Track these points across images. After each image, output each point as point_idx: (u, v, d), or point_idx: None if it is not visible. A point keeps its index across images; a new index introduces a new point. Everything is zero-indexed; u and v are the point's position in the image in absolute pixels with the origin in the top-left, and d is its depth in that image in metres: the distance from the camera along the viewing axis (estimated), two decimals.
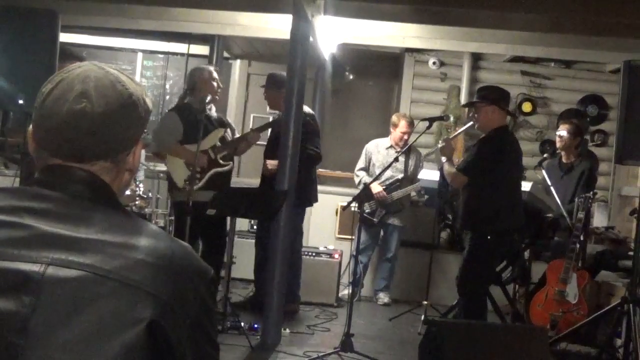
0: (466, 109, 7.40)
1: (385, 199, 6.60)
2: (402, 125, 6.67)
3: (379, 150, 6.79)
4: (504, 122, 5.01)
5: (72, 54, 5.52)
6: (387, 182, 6.58)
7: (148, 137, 5.24)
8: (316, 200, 6.11)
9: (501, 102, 4.96)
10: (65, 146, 1.18)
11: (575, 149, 6.12)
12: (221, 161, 5.35)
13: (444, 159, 5.01)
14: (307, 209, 6.25)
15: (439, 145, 5.07)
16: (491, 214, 4.81)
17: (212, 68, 5.57)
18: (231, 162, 5.48)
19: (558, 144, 6.16)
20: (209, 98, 5.15)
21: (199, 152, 4.98)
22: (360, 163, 6.87)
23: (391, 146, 6.74)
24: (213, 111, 5.45)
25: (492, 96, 4.98)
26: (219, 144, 5.35)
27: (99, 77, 1.19)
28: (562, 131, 6.09)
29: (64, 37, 5.66)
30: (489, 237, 4.81)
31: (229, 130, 5.53)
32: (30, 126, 1.23)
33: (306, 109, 5.93)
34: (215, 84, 5.37)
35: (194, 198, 4.92)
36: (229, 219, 5.15)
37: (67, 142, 1.17)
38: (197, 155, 4.96)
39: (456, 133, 5.76)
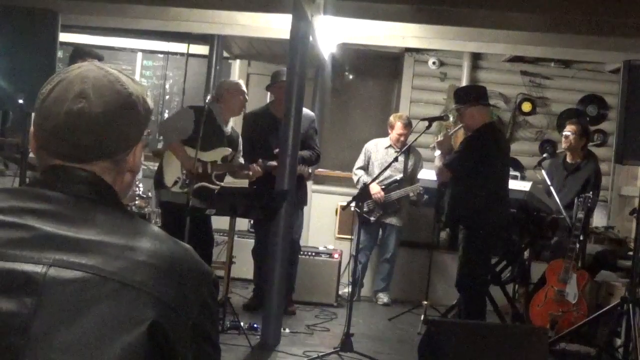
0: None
1: (384, 199, 6.60)
2: (398, 127, 6.67)
3: (378, 150, 6.79)
4: (489, 118, 5.19)
5: (89, 52, 5.51)
6: (386, 182, 6.58)
7: (148, 137, 5.21)
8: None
9: (482, 99, 5.14)
10: (64, 146, 1.17)
11: (582, 150, 6.14)
12: (214, 179, 5.28)
13: (437, 152, 5.14)
14: (305, 207, 6.28)
15: (438, 139, 5.18)
16: (476, 209, 4.93)
17: (241, 81, 5.55)
18: (222, 184, 5.41)
19: (564, 144, 6.19)
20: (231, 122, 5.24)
21: (196, 160, 4.94)
22: (359, 162, 6.86)
23: (390, 146, 6.74)
24: (229, 126, 5.44)
25: (472, 97, 5.12)
26: (220, 162, 5.31)
27: (97, 77, 1.19)
28: (568, 132, 6.10)
29: (64, 37, 5.67)
30: (481, 232, 4.94)
31: (234, 149, 5.49)
32: (32, 127, 1.23)
33: (309, 110, 6.02)
34: (242, 97, 5.38)
35: (178, 200, 4.94)
36: (228, 218, 5.14)
37: (66, 142, 1.17)
38: (195, 163, 4.91)
39: (455, 129, 5.80)
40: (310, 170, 5.68)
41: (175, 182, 5.17)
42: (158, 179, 5.31)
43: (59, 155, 1.18)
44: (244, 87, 5.44)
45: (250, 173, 5.42)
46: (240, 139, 5.62)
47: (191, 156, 5.00)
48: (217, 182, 5.32)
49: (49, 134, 1.18)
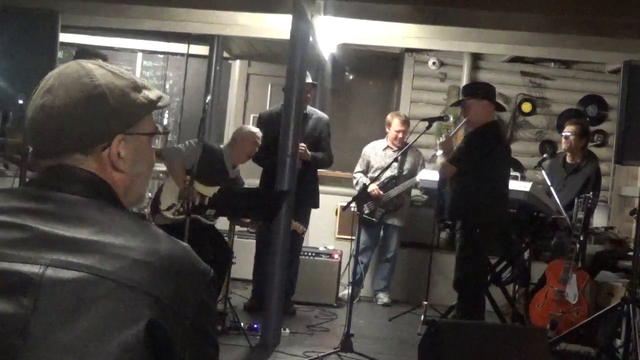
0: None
1: (382, 197, 6.59)
2: (396, 124, 6.67)
3: (377, 152, 6.79)
4: (493, 117, 5.11)
5: (93, 52, 5.53)
6: (384, 181, 6.57)
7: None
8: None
9: (490, 96, 5.05)
10: (35, 142, 1.19)
11: (582, 150, 6.14)
12: (210, 215, 5.22)
13: (439, 152, 5.12)
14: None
15: (440, 140, 5.17)
16: (477, 206, 4.89)
17: (257, 131, 5.51)
18: (216, 220, 5.39)
19: (564, 145, 6.18)
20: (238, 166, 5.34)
21: (194, 189, 4.89)
22: (358, 166, 6.87)
23: (388, 147, 6.74)
24: (235, 171, 5.46)
25: (481, 91, 5.06)
26: None
27: (69, 72, 1.19)
28: (568, 132, 6.10)
29: (64, 37, 5.67)
30: (477, 231, 4.89)
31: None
32: None
33: (323, 113, 6.04)
34: (253, 147, 5.40)
35: (173, 222, 4.95)
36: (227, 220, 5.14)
37: (35, 137, 1.19)
38: (191, 190, 4.87)
39: (455, 130, 5.81)
40: (304, 229, 5.72)
41: (169, 208, 5.14)
42: (154, 204, 5.28)
43: (34, 152, 1.20)
44: (258, 138, 5.43)
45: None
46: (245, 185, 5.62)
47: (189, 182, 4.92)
48: (211, 219, 5.28)
49: (27, 130, 1.19)
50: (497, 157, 5.00)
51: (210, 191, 5.17)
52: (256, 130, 5.51)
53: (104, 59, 5.28)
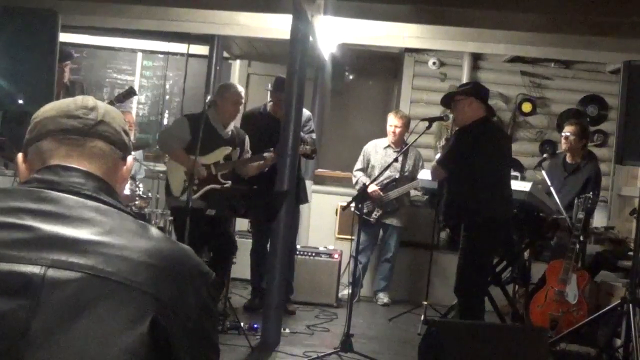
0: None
1: (381, 199, 6.59)
2: (390, 118, 6.69)
3: (377, 151, 6.79)
4: (481, 115, 4.93)
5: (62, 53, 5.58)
6: (384, 182, 6.57)
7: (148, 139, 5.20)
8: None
9: (477, 94, 4.94)
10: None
11: (581, 150, 6.15)
12: (221, 179, 5.29)
13: (439, 156, 5.08)
14: (305, 207, 6.28)
15: (441, 144, 5.13)
16: (469, 206, 4.80)
17: (240, 89, 5.47)
18: (230, 182, 5.41)
19: (564, 146, 6.18)
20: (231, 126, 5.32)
21: (198, 162, 4.95)
22: (358, 164, 6.87)
23: (389, 146, 6.74)
24: (229, 129, 5.41)
25: (468, 90, 5.01)
26: (222, 161, 5.31)
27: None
28: (568, 132, 6.10)
29: (64, 37, 5.66)
30: (472, 234, 4.81)
31: (237, 149, 5.45)
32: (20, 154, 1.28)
33: (305, 109, 6.03)
34: (234, 107, 5.36)
35: (185, 204, 4.92)
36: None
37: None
38: (195, 165, 4.92)
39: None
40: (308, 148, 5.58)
41: (184, 191, 5.15)
42: (166, 187, 5.36)
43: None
44: (239, 97, 5.38)
45: (262, 162, 5.40)
46: (247, 139, 5.58)
47: (192, 158, 4.97)
48: (225, 182, 5.34)
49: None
50: (484, 155, 4.79)
51: (211, 158, 5.21)
52: (240, 90, 5.47)
53: (71, 56, 5.38)
